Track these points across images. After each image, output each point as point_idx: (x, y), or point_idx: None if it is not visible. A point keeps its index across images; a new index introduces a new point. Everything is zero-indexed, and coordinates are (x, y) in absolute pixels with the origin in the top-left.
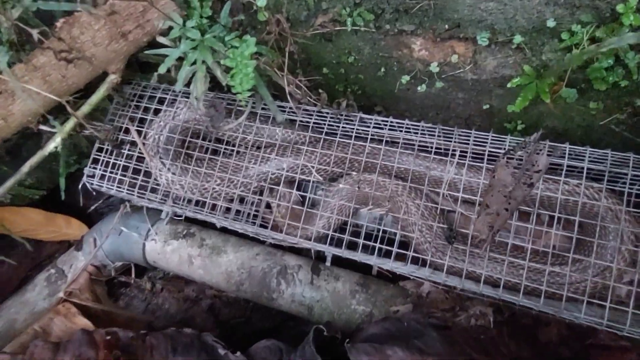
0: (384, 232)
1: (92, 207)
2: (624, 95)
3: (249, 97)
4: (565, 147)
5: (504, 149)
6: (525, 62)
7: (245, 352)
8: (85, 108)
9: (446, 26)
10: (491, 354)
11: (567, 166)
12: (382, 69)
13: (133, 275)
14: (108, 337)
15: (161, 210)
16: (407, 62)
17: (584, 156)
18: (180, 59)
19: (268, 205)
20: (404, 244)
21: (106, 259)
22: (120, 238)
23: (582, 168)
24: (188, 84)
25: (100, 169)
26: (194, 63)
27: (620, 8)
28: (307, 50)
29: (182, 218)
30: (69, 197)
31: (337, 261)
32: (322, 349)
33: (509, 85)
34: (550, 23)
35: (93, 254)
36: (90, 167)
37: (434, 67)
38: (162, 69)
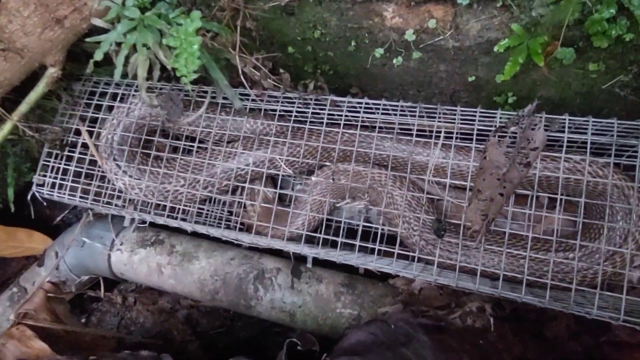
0: (370, 227)
1: (59, 218)
2: (629, 51)
3: (209, 86)
4: (565, 119)
5: (495, 125)
6: (512, 22)
7: None
8: (23, 107)
9: None
10: (489, 356)
11: (568, 140)
12: (353, 43)
13: (102, 290)
14: None
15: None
16: (379, 32)
17: (586, 128)
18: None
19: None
20: (393, 239)
21: (70, 273)
22: (84, 250)
23: (584, 142)
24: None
25: (50, 176)
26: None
27: None
28: (268, 27)
29: (147, 224)
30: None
31: (322, 261)
32: None
33: (495, 49)
34: None
35: (51, 270)
36: (39, 174)
37: (410, 36)
38: (97, 56)
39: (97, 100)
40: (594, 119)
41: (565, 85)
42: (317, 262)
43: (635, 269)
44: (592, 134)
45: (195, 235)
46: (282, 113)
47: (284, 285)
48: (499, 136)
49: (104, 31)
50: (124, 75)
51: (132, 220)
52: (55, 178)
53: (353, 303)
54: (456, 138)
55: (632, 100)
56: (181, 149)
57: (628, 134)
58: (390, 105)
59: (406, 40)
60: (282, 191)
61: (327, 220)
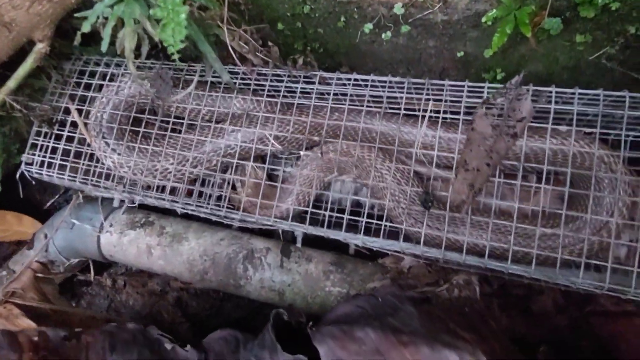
0: (359, 205)
1: (49, 203)
2: (615, 21)
3: (199, 64)
4: (552, 91)
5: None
6: None
7: (198, 345)
8: (11, 83)
9: None
10: (478, 330)
11: (555, 114)
12: (342, 19)
13: (92, 273)
14: (35, 338)
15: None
16: (368, 7)
17: (572, 102)
18: None
19: (235, 186)
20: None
21: (59, 255)
22: (73, 232)
23: (571, 116)
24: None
25: (39, 155)
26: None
27: None
28: (257, 2)
29: (136, 205)
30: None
31: (313, 242)
32: (286, 334)
33: (484, 20)
34: None
35: (39, 250)
36: (28, 153)
37: (399, 9)
38: (84, 28)
39: (87, 79)
40: (580, 90)
41: (553, 60)
42: (307, 243)
43: (621, 246)
44: (579, 106)
45: (185, 217)
46: (272, 92)
47: (274, 265)
48: (487, 108)
49: (93, 6)
50: (114, 53)
51: (122, 201)
52: (44, 157)
53: (342, 281)
54: (444, 112)
55: (619, 72)
56: (170, 128)
57: (615, 106)
58: (379, 81)
59: (395, 14)
60: (272, 167)
61: (318, 202)
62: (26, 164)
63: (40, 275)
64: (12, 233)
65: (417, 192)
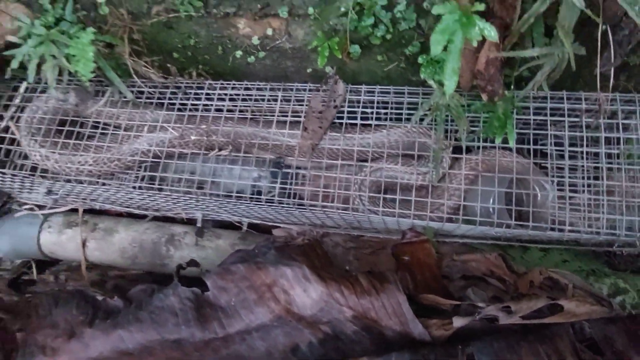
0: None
1: None
2: (395, 46)
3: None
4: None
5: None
6: (319, 29)
7: (125, 297)
8: None
9: (259, 6)
10: (309, 256)
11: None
12: (220, 48)
13: (35, 272)
14: None
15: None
16: (236, 39)
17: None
18: None
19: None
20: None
21: (6, 258)
22: (15, 236)
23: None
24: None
25: None
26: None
27: None
28: (156, 38)
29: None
30: None
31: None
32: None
33: (309, 47)
34: None
35: None
36: None
37: (255, 41)
38: (14, 64)
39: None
40: (379, 87)
41: (373, 73)
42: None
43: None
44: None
45: (118, 215)
46: (176, 104)
47: (190, 244)
48: (316, 92)
49: (18, 45)
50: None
51: (49, 192)
52: None
53: None
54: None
55: (416, 80)
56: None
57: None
58: (251, 85)
59: (253, 44)
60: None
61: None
62: None
63: None
64: None
65: (270, 159)
